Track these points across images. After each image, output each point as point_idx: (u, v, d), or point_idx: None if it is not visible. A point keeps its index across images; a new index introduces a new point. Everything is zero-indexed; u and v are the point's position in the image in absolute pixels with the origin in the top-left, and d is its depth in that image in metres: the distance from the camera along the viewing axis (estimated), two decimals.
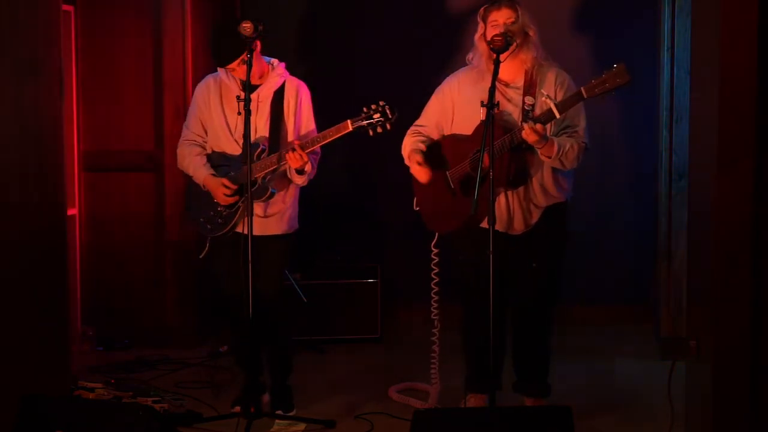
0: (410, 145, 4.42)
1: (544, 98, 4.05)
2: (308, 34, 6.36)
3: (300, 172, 4.46)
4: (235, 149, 4.55)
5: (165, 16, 5.69)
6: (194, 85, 5.71)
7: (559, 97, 4.19)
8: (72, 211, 5.73)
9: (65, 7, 5.40)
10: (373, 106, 4.31)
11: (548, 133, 4.12)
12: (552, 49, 4.41)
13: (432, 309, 4.55)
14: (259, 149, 4.47)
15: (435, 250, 4.47)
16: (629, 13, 6.17)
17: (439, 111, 4.41)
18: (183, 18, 5.68)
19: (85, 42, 5.83)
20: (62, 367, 4.43)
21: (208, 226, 4.61)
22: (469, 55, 4.35)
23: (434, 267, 4.48)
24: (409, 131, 4.48)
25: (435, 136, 4.44)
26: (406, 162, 4.44)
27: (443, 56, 5.79)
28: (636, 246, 6.29)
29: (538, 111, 4.15)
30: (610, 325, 6.15)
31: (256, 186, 4.44)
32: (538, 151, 4.12)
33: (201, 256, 4.66)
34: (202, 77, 5.81)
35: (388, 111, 4.29)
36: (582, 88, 3.97)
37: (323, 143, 4.40)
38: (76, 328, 5.73)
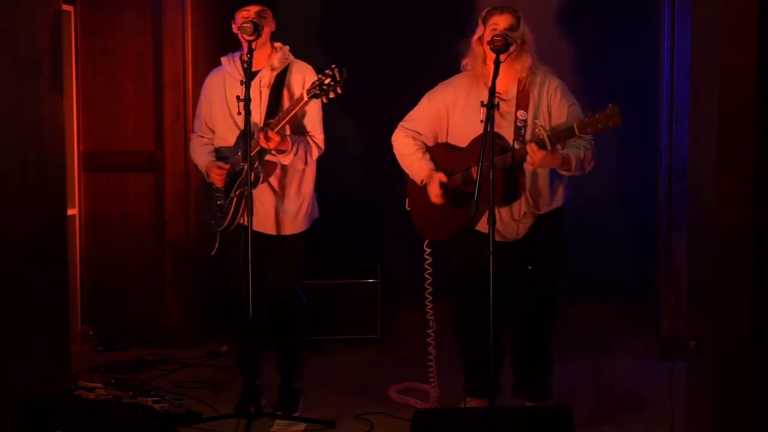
0: (427, 164, 4.33)
1: (537, 129, 4.02)
2: (319, 27, 6.37)
3: (280, 152, 4.40)
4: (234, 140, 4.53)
5: (165, 16, 5.69)
6: (194, 85, 5.75)
7: (554, 106, 4.18)
8: (72, 211, 5.73)
9: (65, 7, 5.40)
10: (327, 71, 4.20)
11: (560, 150, 4.07)
12: (552, 49, 4.43)
13: (427, 309, 4.54)
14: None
15: (428, 250, 4.47)
16: (629, 13, 6.17)
17: (433, 119, 4.36)
18: (183, 18, 5.68)
19: (85, 42, 5.83)
20: (62, 367, 4.44)
21: (213, 222, 4.61)
22: (464, 61, 4.32)
23: (428, 267, 4.48)
24: (407, 133, 4.41)
25: (430, 143, 4.41)
26: (417, 175, 4.37)
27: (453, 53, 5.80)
28: (636, 246, 6.29)
29: (530, 132, 4.13)
30: (610, 325, 6.16)
31: (242, 175, 4.41)
32: (558, 169, 4.10)
33: (212, 253, 4.65)
34: (203, 77, 5.84)
35: (337, 73, 4.17)
36: (575, 125, 3.94)
37: (287, 118, 4.31)
38: (76, 328, 5.74)
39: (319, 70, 4.27)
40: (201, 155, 4.62)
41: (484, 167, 3.88)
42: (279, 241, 4.56)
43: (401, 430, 4.24)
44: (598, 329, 6.08)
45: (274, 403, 4.65)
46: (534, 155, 3.97)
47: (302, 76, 4.45)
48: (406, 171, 4.44)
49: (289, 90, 4.47)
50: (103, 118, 5.86)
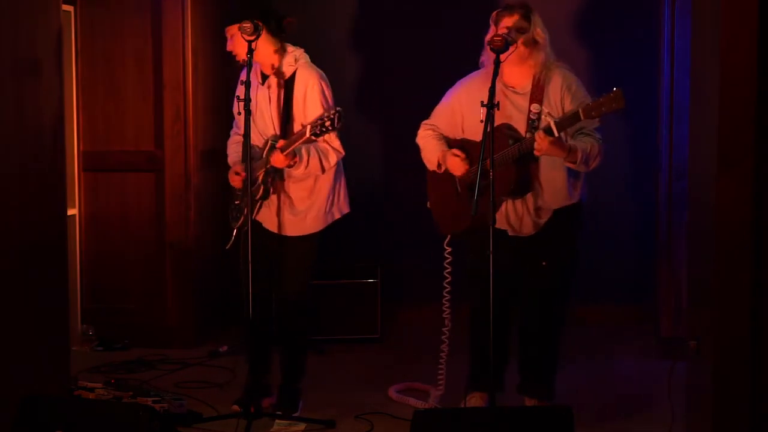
0: (441, 147, 4.40)
1: (544, 115, 4.08)
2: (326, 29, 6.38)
3: (289, 166, 4.44)
4: (259, 140, 4.53)
5: (165, 16, 5.69)
6: (194, 85, 5.76)
7: (567, 100, 4.23)
8: (72, 211, 5.73)
9: (65, 7, 5.39)
10: (332, 112, 4.26)
11: (568, 141, 4.13)
12: (552, 49, 4.42)
13: (444, 308, 4.53)
14: (269, 146, 4.46)
15: (448, 249, 4.48)
16: (630, 13, 6.17)
17: (449, 116, 4.44)
18: (183, 18, 5.68)
19: (85, 42, 5.83)
20: (62, 367, 4.44)
21: (230, 217, 4.68)
22: (482, 58, 4.37)
23: (447, 266, 4.48)
24: (424, 127, 4.50)
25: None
26: (432, 159, 4.42)
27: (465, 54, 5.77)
28: (636, 246, 6.29)
29: (542, 124, 4.17)
30: (610, 325, 6.15)
31: (255, 184, 4.45)
32: (563, 160, 4.14)
33: (227, 247, 4.65)
34: (203, 78, 5.86)
35: (336, 119, 4.24)
36: (580, 110, 4.00)
37: (294, 146, 4.33)
38: (76, 328, 5.74)
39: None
40: (231, 153, 4.70)
41: (484, 166, 3.90)
42: (286, 241, 4.58)
43: (401, 430, 4.24)
44: (598, 329, 6.08)
45: (274, 403, 4.65)
46: (540, 142, 4.02)
47: (304, 86, 4.45)
48: (426, 162, 4.49)
49: (297, 98, 4.47)
50: (103, 118, 5.86)
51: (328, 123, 4.25)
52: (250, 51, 4.31)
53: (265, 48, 4.46)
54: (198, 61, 5.80)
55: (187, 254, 5.79)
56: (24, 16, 4.13)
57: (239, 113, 4.30)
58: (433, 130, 4.48)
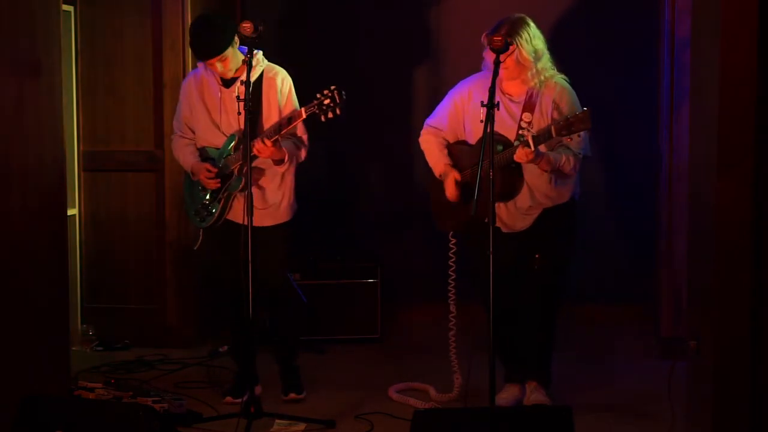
0: (443, 159, 4.50)
1: (527, 129, 4.20)
2: (302, 28, 6.37)
3: (276, 162, 4.52)
4: (219, 140, 4.63)
5: (165, 16, 5.69)
6: None
7: (556, 114, 4.31)
8: (72, 211, 5.73)
9: (65, 7, 5.40)
10: (326, 92, 4.26)
11: (544, 149, 4.23)
12: (552, 50, 4.43)
13: (449, 294, 4.55)
14: (236, 141, 4.54)
15: (453, 240, 4.52)
16: (630, 12, 6.17)
17: (451, 115, 4.52)
18: (183, 18, 5.68)
19: (85, 42, 5.83)
20: (62, 367, 4.44)
21: (198, 219, 4.73)
22: (484, 62, 4.43)
23: (452, 255, 4.51)
24: (429, 130, 4.57)
25: (451, 139, 4.56)
26: (435, 169, 4.51)
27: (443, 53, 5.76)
28: (636, 246, 6.29)
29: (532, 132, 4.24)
30: (610, 325, 6.15)
31: (232, 177, 4.53)
32: (537, 165, 4.24)
33: (195, 248, 4.76)
34: None
35: (336, 96, 4.24)
36: (552, 127, 4.13)
37: (282, 132, 4.39)
38: (76, 328, 5.73)
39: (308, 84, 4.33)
40: (186, 155, 4.73)
41: (484, 166, 3.93)
42: (263, 232, 4.59)
43: (401, 430, 4.23)
44: (598, 329, 6.08)
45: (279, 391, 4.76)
46: (519, 152, 4.15)
47: (276, 84, 4.57)
48: (430, 165, 4.56)
49: (266, 96, 4.57)
50: (103, 118, 5.86)
51: (327, 101, 4.24)
52: (251, 51, 4.34)
53: (237, 57, 4.54)
54: (198, 61, 5.79)
55: (187, 254, 5.79)
56: (24, 16, 4.13)
57: (239, 113, 4.31)
58: (435, 135, 4.55)
